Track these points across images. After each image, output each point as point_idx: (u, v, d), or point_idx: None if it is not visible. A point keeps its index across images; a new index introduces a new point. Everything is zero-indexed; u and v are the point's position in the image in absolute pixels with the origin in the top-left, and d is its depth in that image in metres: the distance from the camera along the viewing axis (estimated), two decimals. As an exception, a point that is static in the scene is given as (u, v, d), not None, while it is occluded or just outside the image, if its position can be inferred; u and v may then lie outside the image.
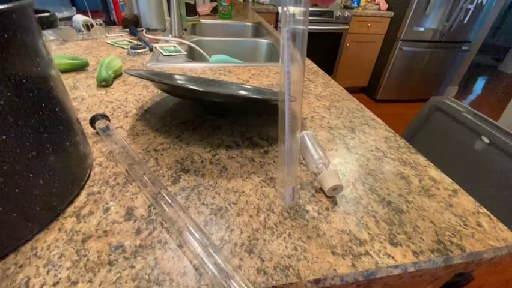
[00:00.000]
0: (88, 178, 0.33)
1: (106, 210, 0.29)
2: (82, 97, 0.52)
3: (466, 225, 0.30)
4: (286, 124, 0.26)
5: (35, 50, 0.24)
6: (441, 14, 2.09)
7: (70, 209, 0.29)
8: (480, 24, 2.24)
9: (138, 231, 0.27)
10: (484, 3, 2.10)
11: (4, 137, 0.21)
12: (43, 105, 0.25)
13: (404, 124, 1.01)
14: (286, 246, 0.26)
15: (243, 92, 0.54)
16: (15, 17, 0.22)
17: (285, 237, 0.27)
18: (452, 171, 0.89)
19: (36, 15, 0.28)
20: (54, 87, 0.27)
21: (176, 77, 0.52)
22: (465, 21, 2.15)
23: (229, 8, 1.37)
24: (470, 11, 2.10)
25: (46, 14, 0.31)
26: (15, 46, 0.21)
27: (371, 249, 0.26)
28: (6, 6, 0.20)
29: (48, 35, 0.85)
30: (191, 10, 1.31)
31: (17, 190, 0.23)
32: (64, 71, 0.61)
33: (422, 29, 2.14)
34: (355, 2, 2.30)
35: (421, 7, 2.03)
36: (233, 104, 0.46)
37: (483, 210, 0.32)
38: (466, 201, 0.33)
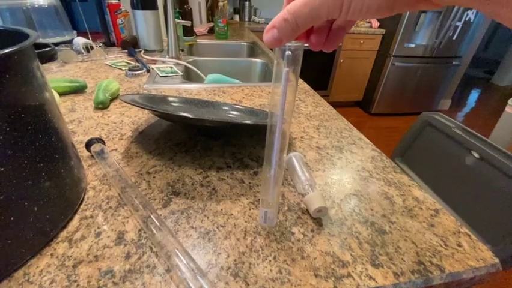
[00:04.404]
0: (81, 202, 0.34)
1: (98, 234, 0.30)
2: (79, 120, 0.53)
3: (446, 245, 0.31)
4: (275, 148, 0.27)
5: (34, 86, 0.26)
6: (430, 31, 2.16)
7: (63, 234, 0.30)
8: (469, 39, 2.32)
9: (128, 256, 0.27)
10: (472, 20, 2.18)
11: (2, 168, 0.22)
12: (40, 136, 0.26)
13: (398, 137, 1.03)
14: (271, 269, 0.27)
15: (234, 113, 0.56)
16: (17, 58, 0.23)
17: (270, 260, 0.28)
18: (444, 185, 0.90)
19: (37, 51, 0.30)
20: (51, 118, 0.28)
21: (170, 99, 0.54)
22: (454, 38, 2.23)
23: (225, 28, 1.42)
24: (459, 28, 2.18)
25: (47, 49, 0.33)
26: (15, 85, 0.23)
27: (353, 271, 0.27)
28: (9, 50, 0.22)
29: (49, 57, 0.88)
30: (188, 31, 1.36)
31: (12, 218, 0.24)
32: (63, 94, 0.63)
33: (413, 45, 2.21)
34: (348, 20, 2.39)
35: (411, 25, 2.11)
36: (225, 127, 0.48)
37: (464, 230, 0.33)
38: (447, 221, 0.35)
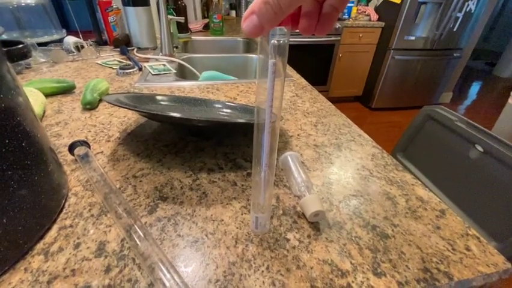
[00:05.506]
0: (61, 210, 0.32)
1: (77, 245, 0.27)
2: (65, 121, 0.51)
3: (454, 249, 0.29)
4: (264, 148, 0.24)
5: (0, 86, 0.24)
6: (431, 23, 2.12)
7: (39, 246, 0.27)
8: (470, 31, 2.27)
9: (108, 269, 0.25)
10: (473, 11, 2.14)
11: (-41, 179, 0.20)
12: (7, 141, 0.24)
13: (400, 132, 1.00)
14: (263, 281, 0.25)
15: (227, 111, 0.53)
16: (-26, 55, 0.21)
17: (262, 271, 0.26)
18: (447, 181, 0.87)
19: (5, 49, 0.28)
20: (22, 122, 0.26)
21: (159, 98, 0.51)
22: (455, 29, 2.19)
23: (221, 24, 1.39)
24: (460, 19, 2.14)
25: (18, 47, 0.31)
26: (-28, 85, 0.21)
27: (353, 281, 0.25)
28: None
29: (39, 57, 0.86)
30: (183, 27, 1.33)
31: (-24, 232, 0.22)
32: (50, 95, 0.61)
33: (413, 38, 2.17)
34: (346, 14, 2.35)
35: (411, 17, 2.06)
36: (216, 126, 0.45)
37: (472, 231, 0.31)
38: (454, 223, 0.32)
